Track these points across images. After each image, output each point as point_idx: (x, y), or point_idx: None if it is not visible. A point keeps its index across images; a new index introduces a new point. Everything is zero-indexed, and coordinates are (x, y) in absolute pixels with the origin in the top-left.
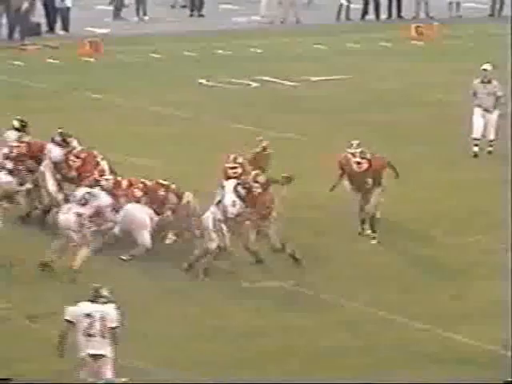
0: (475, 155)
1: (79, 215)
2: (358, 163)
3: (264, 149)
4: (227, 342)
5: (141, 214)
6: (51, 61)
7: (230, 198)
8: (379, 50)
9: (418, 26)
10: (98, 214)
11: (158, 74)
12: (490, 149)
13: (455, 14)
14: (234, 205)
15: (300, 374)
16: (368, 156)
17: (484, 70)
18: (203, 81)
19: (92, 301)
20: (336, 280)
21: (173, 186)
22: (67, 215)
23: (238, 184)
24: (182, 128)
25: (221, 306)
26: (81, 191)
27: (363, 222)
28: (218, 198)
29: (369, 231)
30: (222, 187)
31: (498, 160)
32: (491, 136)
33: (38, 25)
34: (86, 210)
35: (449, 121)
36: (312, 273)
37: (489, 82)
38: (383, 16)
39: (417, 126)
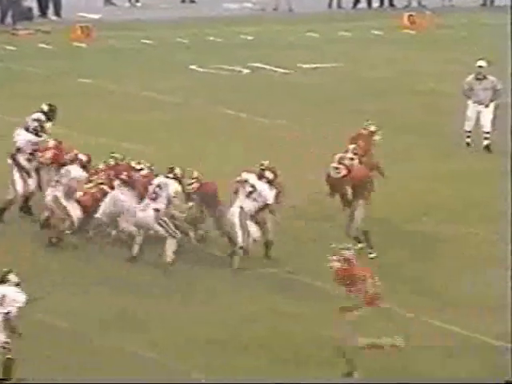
0: (468, 144)
1: (157, 210)
2: (336, 168)
3: (371, 133)
4: (221, 328)
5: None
6: (43, 46)
7: (262, 185)
8: (371, 38)
9: (411, 15)
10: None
11: (149, 60)
12: (487, 142)
13: (447, 3)
14: (271, 188)
15: (293, 362)
16: (347, 163)
17: (479, 66)
18: (195, 67)
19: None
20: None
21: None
22: (145, 212)
23: (262, 170)
24: (174, 114)
25: (217, 292)
26: (152, 185)
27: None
28: (247, 190)
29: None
30: (244, 181)
31: (494, 150)
32: (488, 128)
33: (30, 9)
34: (160, 204)
35: (441, 110)
36: (307, 260)
37: (484, 77)
38: (375, 4)
39: (409, 115)
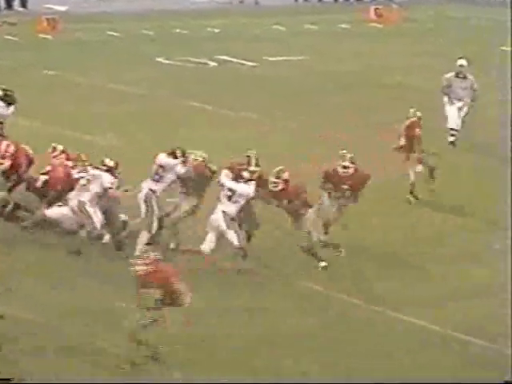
0: (452, 143)
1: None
2: (274, 182)
3: (419, 119)
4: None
5: None
6: (9, 37)
7: (239, 186)
8: (338, 31)
9: (377, 8)
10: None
11: (115, 52)
12: (453, 139)
13: None
14: (249, 185)
15: (266, 358)
16: (285, 177)
17: (460, 65)
18: (161, 59)
19: None
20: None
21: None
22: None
23: (239, 170)
24: (140, 106)
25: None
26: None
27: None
28: (227, 194)
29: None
30: (222, 185)
31: (461, 148)
32: (458, 126)
33: None
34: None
35: (408, 103)
36: (285, 258)
37: (464, 77)
38: None
39: (375, 109)
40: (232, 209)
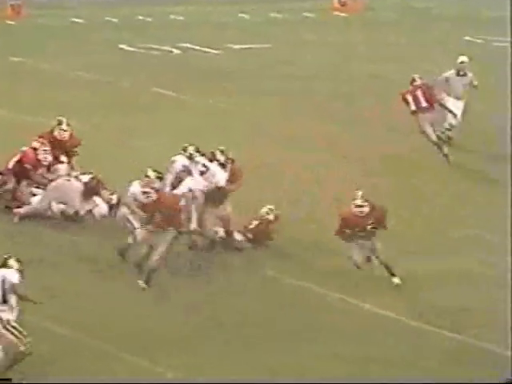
0: (448, 137)
1: None
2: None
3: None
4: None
5: None
6: None
7: (214, 166)
8: (302, 20)
9: None
10: None
11: (79, 38)
12: (449, 133)
13: None
14: (224, 171)
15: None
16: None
17: (461, 62)
18: (124, 46)
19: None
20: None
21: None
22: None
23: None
24: (103, 93)
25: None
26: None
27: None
28: (199, 169)
29: None
30: (196, 162)
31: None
32: (454, 121)
33: None
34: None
35: (376, 93)
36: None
37: (464, 74)
38: None
39: (341, 99)
40: (200, 185)
